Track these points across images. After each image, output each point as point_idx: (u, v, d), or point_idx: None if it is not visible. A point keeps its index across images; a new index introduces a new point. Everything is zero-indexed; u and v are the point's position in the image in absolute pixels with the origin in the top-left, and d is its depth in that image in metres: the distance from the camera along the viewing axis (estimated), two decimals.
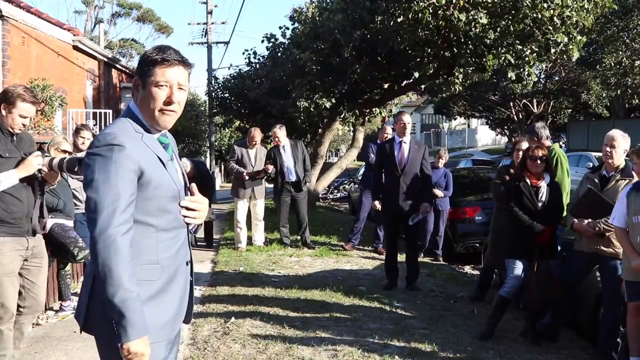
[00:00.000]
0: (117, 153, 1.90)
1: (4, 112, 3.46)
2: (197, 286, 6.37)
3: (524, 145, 5.68)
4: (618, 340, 4.26)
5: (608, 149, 4.38)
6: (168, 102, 2.01)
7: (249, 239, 8.70)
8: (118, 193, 1.87)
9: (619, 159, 4.41)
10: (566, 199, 5.18)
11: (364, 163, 11.25)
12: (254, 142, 8.52)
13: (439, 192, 8.19)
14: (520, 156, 5.60)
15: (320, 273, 7.04)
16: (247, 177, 8.31)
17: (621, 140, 4.37)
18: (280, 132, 8.51)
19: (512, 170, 5.71)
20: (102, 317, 1.91)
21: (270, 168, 8.38)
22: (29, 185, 3.58)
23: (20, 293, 3.64)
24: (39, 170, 3.55)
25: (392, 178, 6.36)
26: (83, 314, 2.01)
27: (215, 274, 6.95)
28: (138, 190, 1.94)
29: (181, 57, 2.03)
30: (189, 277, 2.17)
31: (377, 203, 6.55)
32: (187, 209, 2.12)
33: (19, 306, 3.66)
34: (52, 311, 5.21)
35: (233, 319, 4.99)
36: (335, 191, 20.64)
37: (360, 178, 11.90)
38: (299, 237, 8.74)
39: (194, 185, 2.20)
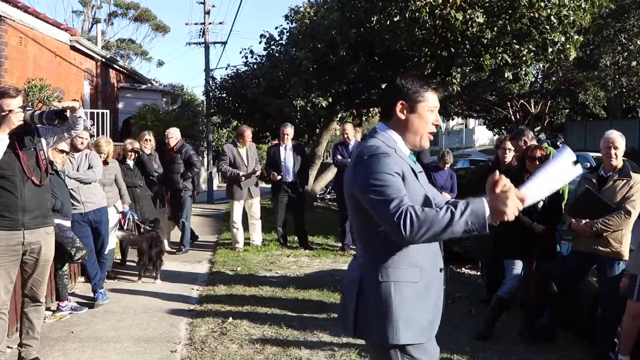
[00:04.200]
0: (383, 158, 2.06)
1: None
2: (195, 285, 6.36)
3: (509, 144, 5.58)
4: (615, 340, 4.26)
5: (612, 151, 4.35)
6: (436, 124, 2.25)
7: (247, 239, 8.69)
8: (396, 187, 2.00)
9: (620, 159, 4.42)
10: (565, 196, 5.18)
11: None
12: (244, 140, 8.48)
13: (447, 195, 8.17)
14: (507, 154, 5.55)
15: (318, 273, 7.03)
16: (244, 178, 8.28)
17: (621, 141, 4.38)
18: (291, 130, 8.61)
19: (490, 163, 5.71)
20: (370, 320, 2.14)
21: (258, 172, 8.39)
22: (23, 179, 3.59)
23: (24, 282, 3.82)
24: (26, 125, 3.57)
25: None
26: (352, 322, 2.20)
27: (212, 274, 6.94)
28: None
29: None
30: (442, 284, 2.26)
31: None
32: None
33: (22, 294, 3.87)
34: (50, 311, 5.18)
35: (230, 319, 4.98)
36: (333, 191, 20.58)
37: None
38: (296, 238, 8.73)
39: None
